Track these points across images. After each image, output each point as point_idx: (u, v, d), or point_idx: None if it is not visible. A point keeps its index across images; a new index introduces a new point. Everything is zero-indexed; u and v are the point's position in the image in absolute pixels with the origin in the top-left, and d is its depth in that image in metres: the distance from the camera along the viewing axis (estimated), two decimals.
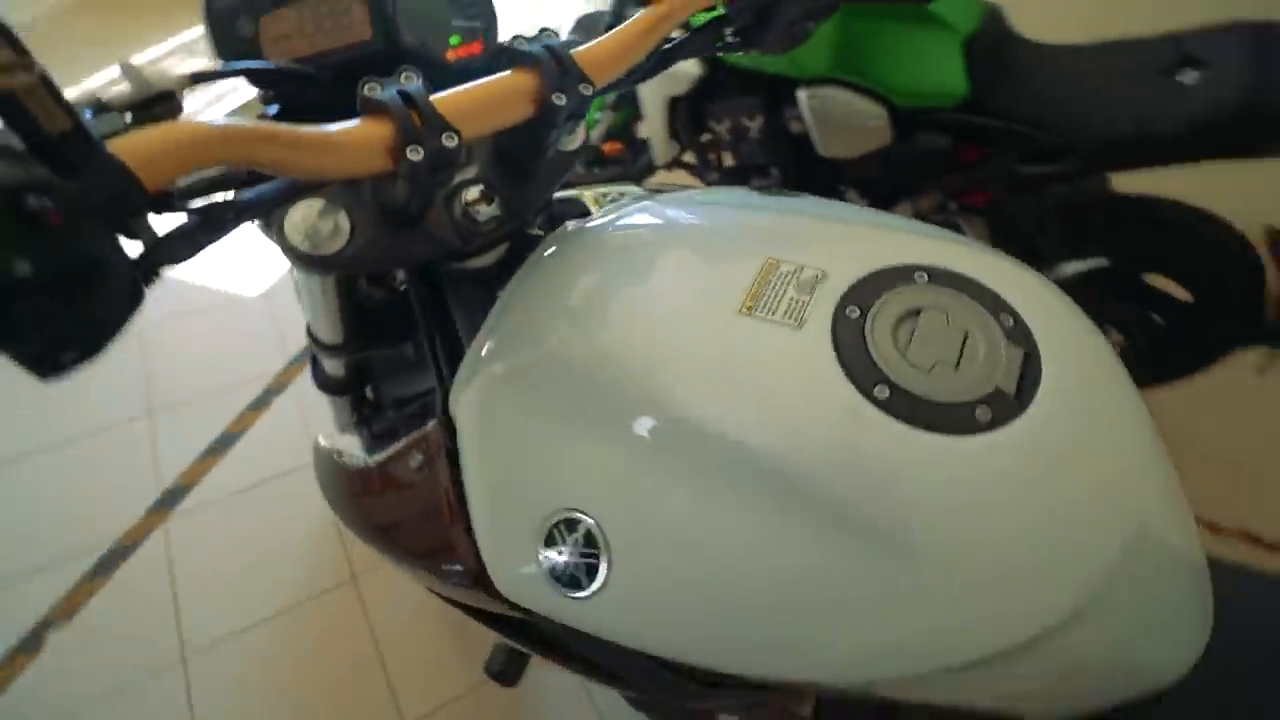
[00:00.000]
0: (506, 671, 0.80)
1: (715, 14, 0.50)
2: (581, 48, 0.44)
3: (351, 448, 0.75)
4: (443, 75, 0.53)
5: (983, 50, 1.16)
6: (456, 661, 1.17)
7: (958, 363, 0.37)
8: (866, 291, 0.39)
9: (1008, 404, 0.36)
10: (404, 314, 0.69)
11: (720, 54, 0.55)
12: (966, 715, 0.45)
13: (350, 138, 0.36)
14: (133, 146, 0.26)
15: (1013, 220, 1.29)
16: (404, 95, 0.37)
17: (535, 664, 0.68)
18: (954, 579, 0.35)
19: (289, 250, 0.44)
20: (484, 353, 0.51)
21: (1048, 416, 0.35)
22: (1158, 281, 1.27)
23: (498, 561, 0.46)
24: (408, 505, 0.54)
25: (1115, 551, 0.37)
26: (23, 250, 0.22)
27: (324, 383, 0.83)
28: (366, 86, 0.37)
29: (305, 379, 1.57)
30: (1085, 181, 1.22)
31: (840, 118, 1.26)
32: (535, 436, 0.45)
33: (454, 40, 0.53)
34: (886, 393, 0.36)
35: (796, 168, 1.42)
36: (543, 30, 0.45)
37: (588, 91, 0.43)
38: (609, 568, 0.40)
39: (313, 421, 1.51)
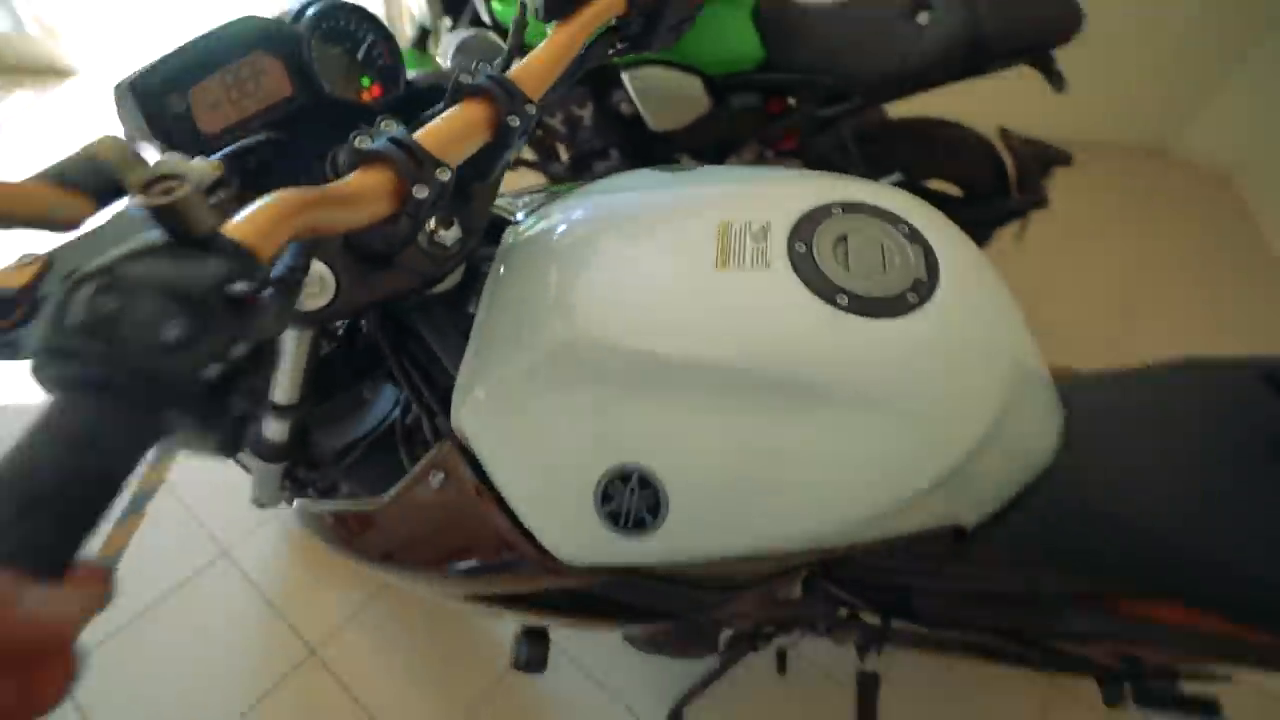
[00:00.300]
0: (532, 661, 0.85)
1: (608, 25, 0.58)
2: (514, 69, 0.50)
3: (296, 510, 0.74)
4: (361, 117, 0.56)
5: (768, 18, 1.34)
6: (445, 692, 1.17)
7: (884, 267, 0.49)
8: (803, 230, 0.50)
9: (925, 287, 0.49)
10: (358, 358, 0.69)
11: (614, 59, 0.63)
12: (928, 538, 0.59)
13: (364, 188, 0.39)
14: (245, 228, 0.28)
15: (821, 156, 1.51)
16: (395, 141, 0.40)
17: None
18: (920, 419, 0.48)
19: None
20: (481, 363, 0.55)
21: (951, 291, 0.49)
22: (938, 185, 1.57)
23: (559, 536, 0.52)
24: (441, 522, 0.57)
25: (1008, 380, 0.52)
26: (235, 334, 0.25)
27: (265, 452, 0.79)
28: (357, 140, 0.40)
29: (180, 472, 1.42)
30: (868, 114, 1.47)
31: (664, 93, 1.38)
32: (563, 416, 0.51)
33: (365, 82, 0.55)
34: (845, 300, 0.47)
35: (632, 145, 1.53)
36: (476, 64, 0.49)
37: (532, 111, 0.49)
38: (668, 499, 0.48)
39: (203, 513, 1.37)
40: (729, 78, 1.38)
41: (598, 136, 1.51)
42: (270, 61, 0.47)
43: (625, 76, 1.36)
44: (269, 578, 1.29)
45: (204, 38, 0.44)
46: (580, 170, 1.58)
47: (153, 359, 0.23)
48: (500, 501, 0.54)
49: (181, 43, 0.44)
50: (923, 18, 1.30)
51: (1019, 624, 0.90)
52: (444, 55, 0.83)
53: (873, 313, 0.47)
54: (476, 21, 1.37)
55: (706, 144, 1.53)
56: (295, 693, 1.14)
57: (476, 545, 0.55)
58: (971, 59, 1.28)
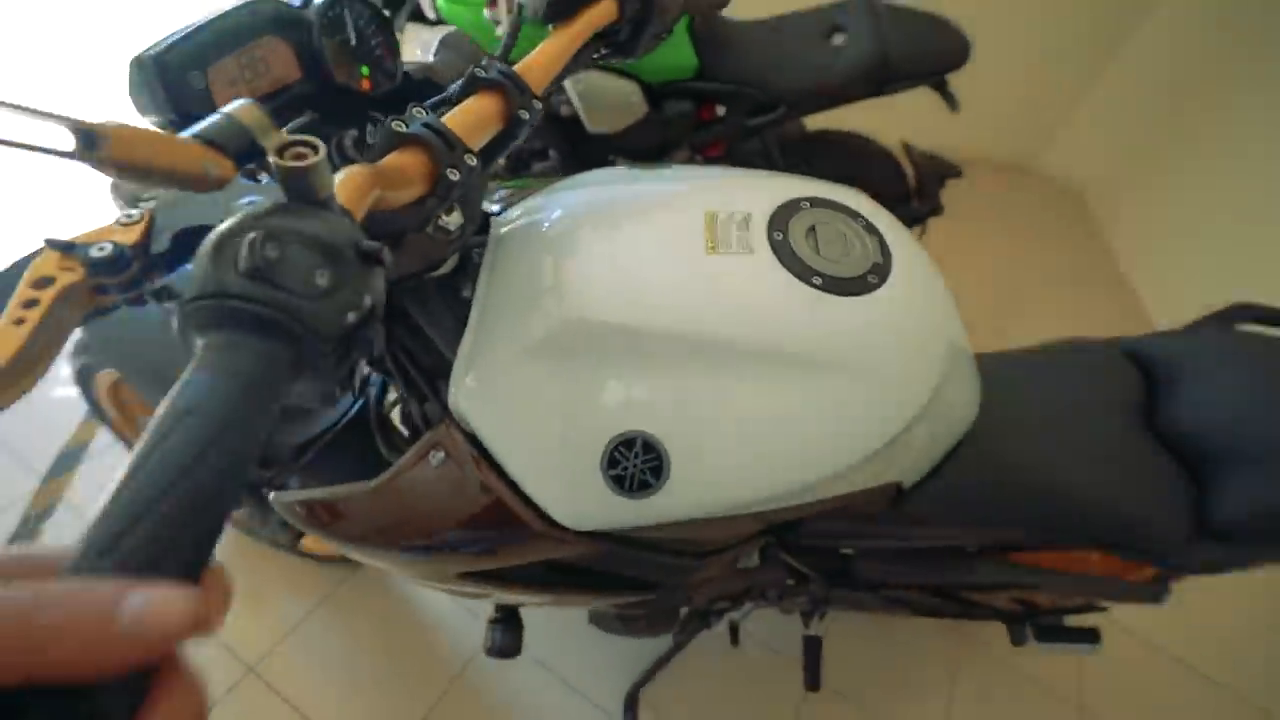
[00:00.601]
0: (506, 647, 0.87)
1: (595, 31, 0.62)
2: (518, 67, 0.53)
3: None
4: (359, 105, 0.57)
5: (702, 31, 1.42)
6: (397, 701, 1.15)
7: (847, 253, 0.56)
8: (779, 220, 0.57)
9: (881, 270, 0.56)
10: None
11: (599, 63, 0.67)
12: (874, 495, 0.67)
13: (406, 168, 0.41)
14: (345, 190, 0.30)
15: (746, 162, 1.62)
16: (430, 126, 0.43)
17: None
18: (880, 383, 0.56)
19: None
20: (480, 344, 0.57)
21: (902, 275, 0.57)
22: None
23: (565, 503, 0.55)
24: (441, 500, 0.58)
25: (946, 353, 0.61)
26: (367, 287, 0.27)
27: None
28: (393, 123, 0.42)
29: (79, 484, 1.30)
30: (789, 126, 1.60)
31: (603, 98, 1.43)
32: (569, 390, 0.54)
33: (364, 71, 0.56)
34: (819, 280, 0.54)
35: (570, 146, 1.57)
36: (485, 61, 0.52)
37: (539, 106, 0.52)
38: (670, 462, 0.53)
39: None
40: (665, 85, 1.45)
41: (537, 137, 1.54)
42: (281, 45, 0.48)
43: (567, 81, 1.40)
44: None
45: (220, 18, 0.44)
46: (518, 169, 1.60)
47: (310, 303, 0.25)
48: (502, 475, 0.56)
49: (198, 22, 0.44)
50: (838, 39, 1.43)
51: (940, 579, 1.02)
52: (424, 50, 0.84)
53: (841, 291, 0.54)
54: (417, 16, 1.35)
55: (641, 147, 1.59)
56: (236, 710, 1.08)
57: (478, 519, 0.57)
58: (879, 80, 1.42)
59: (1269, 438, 0.79)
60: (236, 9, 0.45)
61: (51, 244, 0.28)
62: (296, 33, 0.48)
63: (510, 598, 0.77)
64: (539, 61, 0.54)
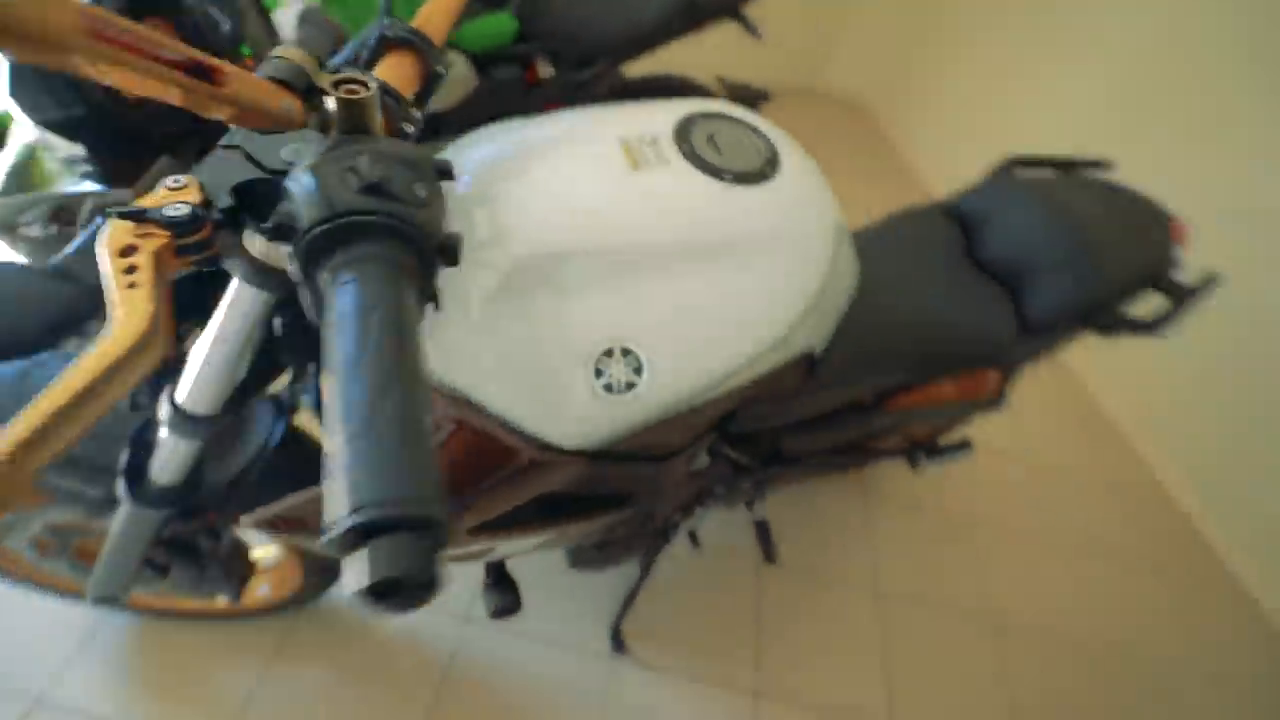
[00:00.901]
0: (506, 606, 0.90)
1: None
2: (417, 22, 0.54)
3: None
4: None
5: None
6: (394, 713, 1.12)
7: (744, 152, 0.65)
8: (681, 135, 0.64)
9: (774, 162, 0.66)
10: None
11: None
12: (795, 367, 0.78)
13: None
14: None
15: None
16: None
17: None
18: (793, 258, 0.66)
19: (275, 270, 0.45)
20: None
21: (791, 166, 0.67)
22: None
23: (563, 425, 0.59)
24: (441, 462, 0.60)
25: (836, 227, 0.72)
26: (444, 198, 0.30)
27: (153, 496, 0.68)
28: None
29: None
30: (612, 77, 1.66)
31: None
32: (541, 324, 0.58)
33: (246, 51, 0.54)
34: (729, 176, 0.62)
35: None
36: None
37: (448, 60, 0.54)
38: (646, 360, 0.59)
39: None
40: (488, 54, 1.45)
41: None
42: (164, 24, 0.45)
43: None
44: (118, 703, 1.07)
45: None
46: None
47: (419, 210, 0.28)
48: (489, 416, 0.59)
49: None
50: None
51: (848, 436, 1.19)
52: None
53: (748, 182, 0.63)
54: None
55: (477, 120, 1.57)
56: None
57: (481, 468, 0.59)
58: (688, 18, 1.53)
59: (1056, 252, 1.01)
60: None
61: (121, 214, 0.27)
62: (178, 13, 0.46)
63: (511, 545, 0.79)
64: (435, 15, 0.55)
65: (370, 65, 0.50)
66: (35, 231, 0.45)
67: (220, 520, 0.80)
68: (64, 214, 0.42)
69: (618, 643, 1.28)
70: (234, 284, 0.48)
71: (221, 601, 1.09)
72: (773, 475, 1.17)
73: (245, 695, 1.10)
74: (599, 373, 0.58)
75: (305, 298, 0.29)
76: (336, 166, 0.27)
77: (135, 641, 1.13)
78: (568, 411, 0.59)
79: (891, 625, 1.44)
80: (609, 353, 0.58)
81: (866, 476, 1.73)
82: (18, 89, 0.40)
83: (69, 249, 0.42)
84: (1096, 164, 1.17)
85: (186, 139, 0.49)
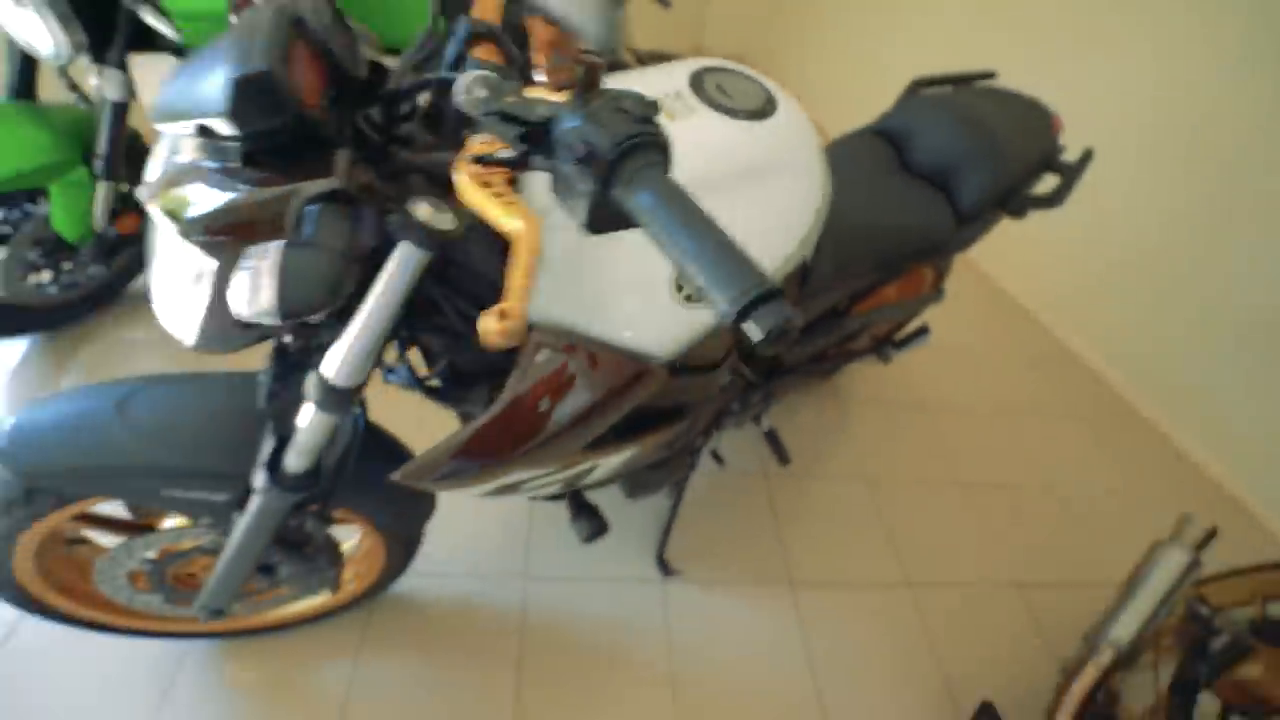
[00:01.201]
0: (595, 529, 1.02)
1: None
2: (475, 13, 0.64)
3: None
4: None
5: None
6: (482, 685, 1.21)
7: (748, 94, 0.79)
8: (696, 86, 0.77)
9: (772, 101, 0.80)
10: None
11: None
12: (797, 276, 0.93)
13: None
14: None
15: None
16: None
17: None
18: (804, 177, 0.80)
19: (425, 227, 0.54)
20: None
21: (783, 101, 0.81)
22: None
23: (654, 337, 0.72)
24: (559, 387, 0.70)
25: (820, 147, 0.87)
26: None
27: (288, 482, 0.74)
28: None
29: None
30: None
31: None
32: (623, 258, 0.70)
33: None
34: (743, 115, 0.76)
35: None
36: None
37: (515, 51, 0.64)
38: None
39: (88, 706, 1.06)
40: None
41: None
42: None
43: None
44: (231, 707, 1.10)
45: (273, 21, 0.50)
46: None
47: (660, 130, 0.40)
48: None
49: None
50: None
51: (831, 340, 1.36)
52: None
53: (758, 117, 0.77)
54: (140, 44, 1.20)
55: None
56: None
57: (591, 385, 0.71)
58: None
59: (971, 151, 1.22)
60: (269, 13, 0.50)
61: (474, 160, 0.37)
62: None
63: (610, 461, 0.91)
64: (485, 8, 0.65)
65: (460, 57, 0.59)
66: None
67: (327, 508, 0.87)
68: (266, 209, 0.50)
69: (665, 567, 1.42)
70: (395, 255, 0.58)
71: (317, 600, 1.14)
72: (775, 387, 1.33)
73: (344, 691, 1.16)
74: (679, 288, 0.71)
75: (587, 206, 0.41)
76: (607, 111, 0.39)
77: (217, 670, 1.16)
78: (656, 325, 0.71)
79: (884, 505, 1.66)
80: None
81: (835, 385, 1.94)
82: (240, 104, 0.48)
83: (307, 230, 0.50)
84: (985, 75, 1.40)
85: (345, 135, 0.58)
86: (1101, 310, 2.17)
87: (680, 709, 1.22)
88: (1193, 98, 1.80)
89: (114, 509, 0.92)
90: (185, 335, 0.61)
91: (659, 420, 0.91)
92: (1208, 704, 1.03)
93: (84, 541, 0.97)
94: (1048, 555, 1.62)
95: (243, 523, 0.79)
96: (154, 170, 0.60)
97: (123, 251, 1.55)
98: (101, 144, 1.30)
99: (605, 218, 0.42)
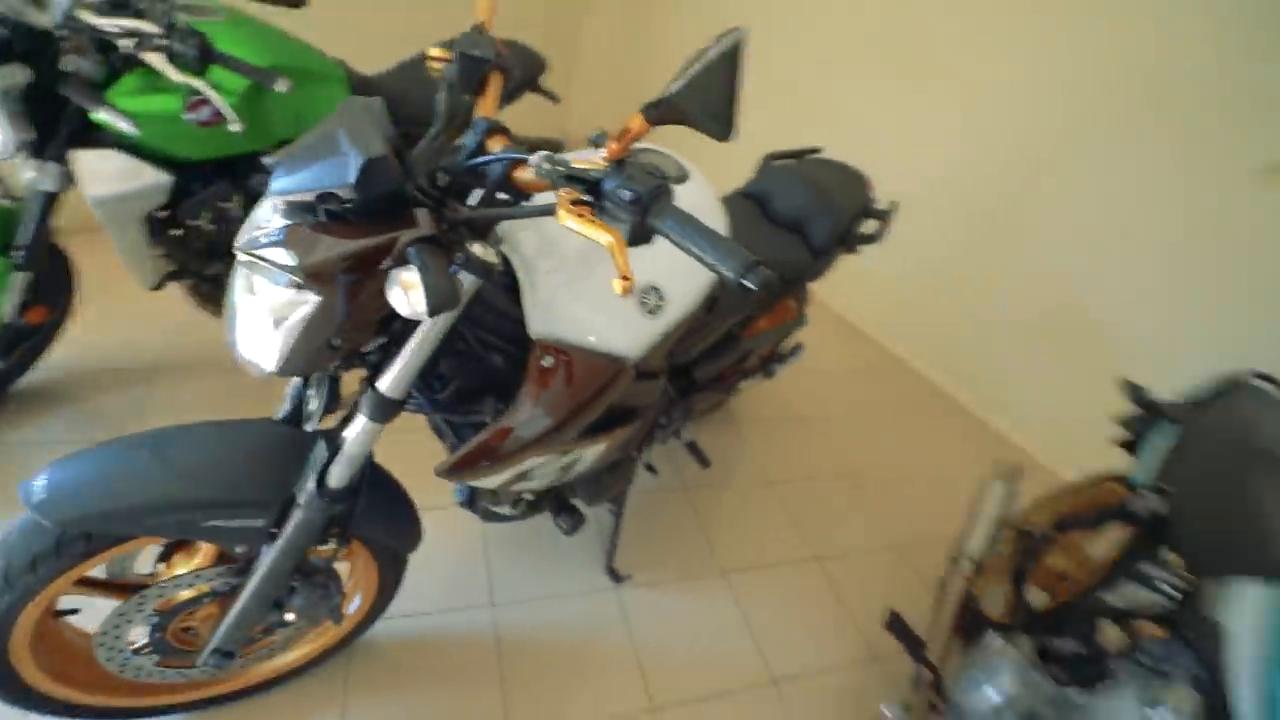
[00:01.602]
0: (575, 523, 1.20)
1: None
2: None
3: None
4: None
5: (361, 86, 1.67)
6: (472, 703, 1.29)
7: (671, 167, 1.07)
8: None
9: (685, 172, 1.09)
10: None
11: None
12: (710, 299, 1.22)
13: None
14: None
15: None
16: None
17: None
18: (718, 222, 1.10)
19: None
20: (535, 289, 0.90)
21: (695, 176, 1.11)
22: None
23: (628, 343, 0.95)
24: (559, 388, 0.91)
25: (723, 208, 1.17)
26: None
27: (333, 495, 0.86)
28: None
29: None
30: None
31: None
32: (600, 279, 0.93)
33: None
34: (672, 180, 1.04)
35: None
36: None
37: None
38: (664, 290, 0.97)
39: None
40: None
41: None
42: None
43: (270, 160, 1.49)
44: None
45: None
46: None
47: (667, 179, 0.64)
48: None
49: None
50: None
51: (729, 360, 1.66)
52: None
53: (679, 183, 1.05)
54: (80, 140, 1.24)
55: None
56: None
57: (583, 383, 0.91)
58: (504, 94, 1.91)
59: (816, 205, 1.61)
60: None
61: (569, 203, 0.59)
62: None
63: (590, 452, 1.09)
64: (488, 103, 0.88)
65: (480, 145, 0.81)
66: None
67: (349, 529, 0.97)
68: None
69: (615, 576, 1.59)
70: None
71: (306, 647, 1.17)
72: (692, 401, 1.60)
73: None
74: (643, 303, 0.95)
75: (629, 228, 0.63)
76: (638, 172, 0.63)
77: None
78: (628, 333, 0.95)
79: (784, 498, 1.96)
80: (646, 290, 0.96)
81: (729, 411, 2.25)
82: (364, 179, 0.65)
83: (416, 263, 0.68)
84: (815, 150, 1.84)
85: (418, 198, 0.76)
86: (915, 322, 2.73)
87: (653, 691, 1.38)
88: (980, 151, 2.42)
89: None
90: (267, 362, 0.75)
91: (620, 420, 1.13)
92: (1036, 596, 1.39)
93: (75, 612, 0.97)
94: (913, 518, 2.00)
95: (278, 543, 0.88)
96: (247, 232, 0.74)
97: (25, 344, 1.50)
98: (25, 235, 1.31)
99: (641, 234, 0.65)
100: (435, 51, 0.96)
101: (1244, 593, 0.87)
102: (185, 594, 0.95)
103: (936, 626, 1.33)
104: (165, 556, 0.99)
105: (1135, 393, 1.36)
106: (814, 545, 1.83)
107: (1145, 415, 1.33)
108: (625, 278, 0.60)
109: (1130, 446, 1.34)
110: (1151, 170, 1.97)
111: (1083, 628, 1.14)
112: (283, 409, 0.97)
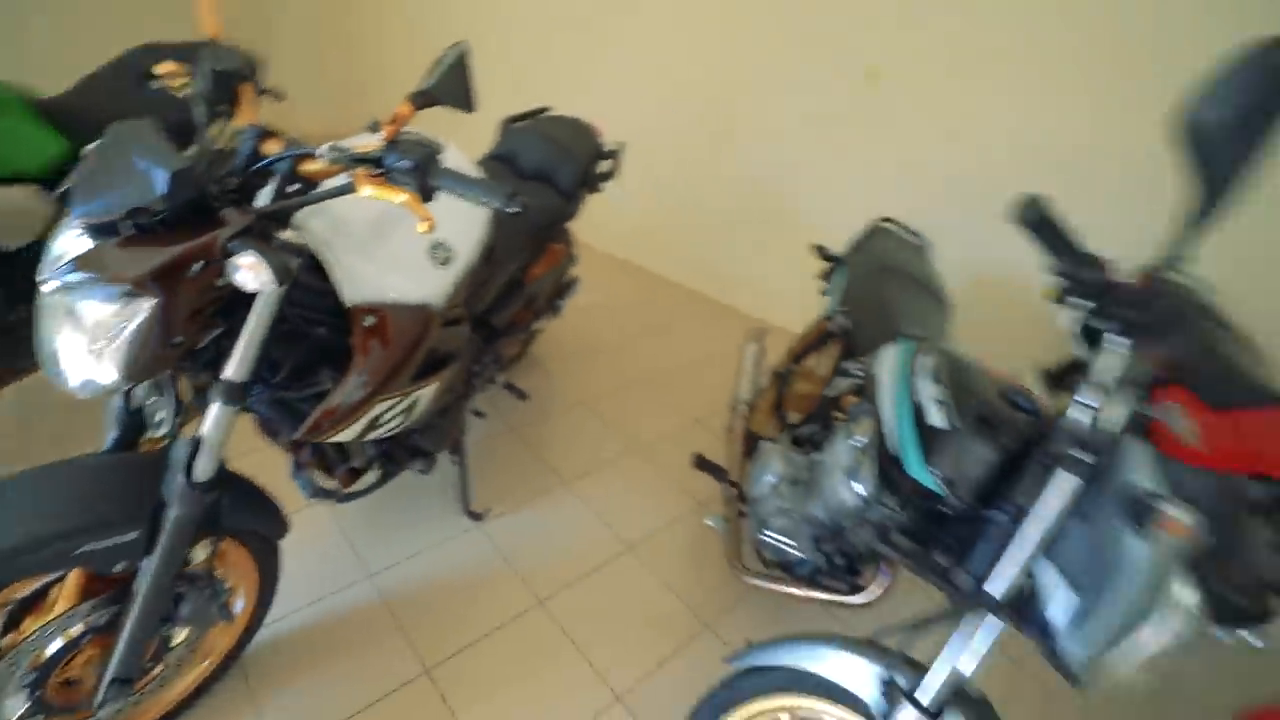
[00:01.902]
0: (427, 465, 1.36)
1: None
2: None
3: None
4: None
5: (57, 110, 1.51)
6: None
7: (428, 142, 1.24)
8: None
9: (442, 147, 1.26)
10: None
11: None
12: (489, 250, 1.43)
13: None
14: None
15: None
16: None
17: None
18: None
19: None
20: (343, 265, 1.03)
21: (453, 148, 1.28)
22: None
23: (425, 291, 1.13)
24: (388, 341, 1.07)
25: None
26: None
27: (204, 486, 0.92)
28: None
29: None
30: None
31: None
32: (400, 243, 1.09)
33: None
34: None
35: None
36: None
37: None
38: (452, 244, 1.16)
39: None
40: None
41: None
42: None
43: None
44: None
45: None
46: None
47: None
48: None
49: None
50: None
51: (519, 305, 1.88)
52: None
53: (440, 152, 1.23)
54: None
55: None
56: None
57: (402, 334, 1.08)
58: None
59: (556, 155, 1.86)
60: None
61: (364, 176, 0.74)
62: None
63: (425, 393, 1.26)
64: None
65: (254, 150, 0.92)
66: None
67: (221, 525, 1.03)
68: None
69: (474, 515, 1.77)
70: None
71: (215, 648, 1.19)
72: (498, 346, 1.80)
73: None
74: (433, 257, 1.13)
75: (415, 188, 0.81)
76: (410, 145, 0.80)
77: None
78: (427, 283, 1.13)
79: (600, 411, 2.28)
80: (435, 245, 1.14)
81: (533, 356, 2.49)
82: (175, 189, 0.73)
83: (239, 250, 0.77)
84: (545, 109, 2.08)
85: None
86: (664, 240, 3.20)
87: (537, 590, 1.62)
88: (684, 83, 2.85)
89: None
90: (106, 377, 0.80)
91: (443, 363, 1.31)
92: (794, 416, 1.88)
93: None
94: (701, 393, 2.46)
95: (158, 550, 0.93)
96: (49, 265, 0.78)
97: None
98: None
99: (425, 191, 0.84)
100: (169, 68, 1.01)
101: (884, 352, 1.36)
102: (59, 642, 0.95)
103: (731, 456, 1.75)
104: (14, 622, 0.96)
105: (821, 251, 1.87)
106: (631, 440, 2.18)
107: (830, 265, 1.85)
108: (427, 219, 0.80)
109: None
110: (809, 83, 2.58)
111: (821, 418, 1.62)
112: (110, 436, 0.98)
